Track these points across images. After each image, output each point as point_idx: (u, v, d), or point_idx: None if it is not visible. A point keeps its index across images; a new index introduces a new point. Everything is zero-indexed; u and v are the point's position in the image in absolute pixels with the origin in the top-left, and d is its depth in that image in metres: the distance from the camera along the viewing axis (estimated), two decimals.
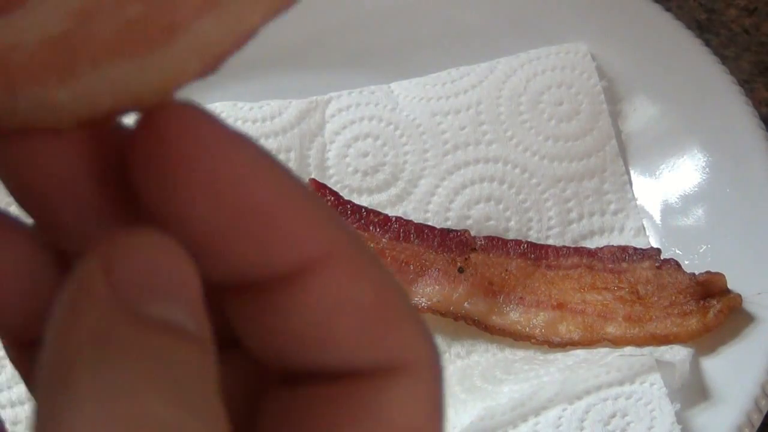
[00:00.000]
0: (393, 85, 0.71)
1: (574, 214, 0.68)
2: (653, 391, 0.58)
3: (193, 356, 0.21)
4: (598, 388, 0.58)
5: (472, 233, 0.66)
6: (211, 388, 0.21)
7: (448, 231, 0.66)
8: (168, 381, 0.20)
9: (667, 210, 0.67)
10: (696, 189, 0.67)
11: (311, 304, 0.23)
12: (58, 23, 0.22)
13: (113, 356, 0.20)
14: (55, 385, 0.21)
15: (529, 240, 0.66)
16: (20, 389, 0.59)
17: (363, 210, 0.66)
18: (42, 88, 0.22)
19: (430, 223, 0.67)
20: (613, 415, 0.58)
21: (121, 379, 0.20)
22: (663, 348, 0.60)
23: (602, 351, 0.61)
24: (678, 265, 0.63)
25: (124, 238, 0.22)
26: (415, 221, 0.66)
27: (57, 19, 0.22)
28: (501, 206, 0.68)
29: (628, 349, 0.61)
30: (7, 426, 0.58)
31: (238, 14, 0.22)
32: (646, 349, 0.60)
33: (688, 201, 0.67)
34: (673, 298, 0.62)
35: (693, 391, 0.59)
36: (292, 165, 0.67)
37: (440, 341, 0.63)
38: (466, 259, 0.64)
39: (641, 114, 0.70)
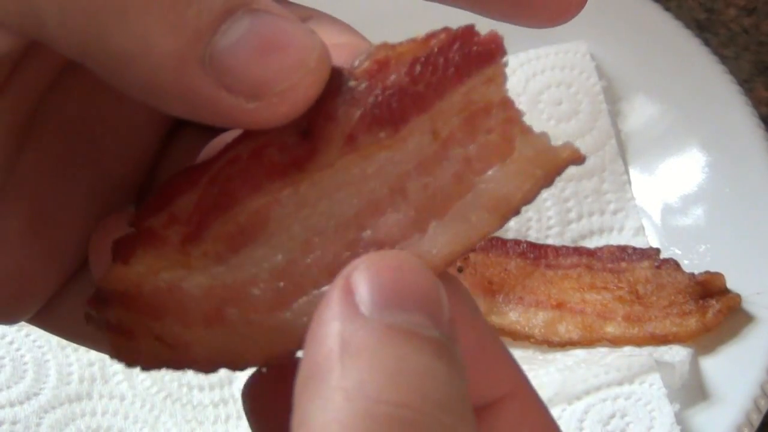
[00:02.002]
0: None
1: (573, 214, 0.68)
2: (653, 391, 0.58)
3: (439, 361, 0.23)
4: (598, 388, 0.58)
5: None
6: (458, 390, 0.23)
7: None
8: (410, 380, 0.23)
9: (667, 210, 0.67)
10: (695, 189, 0.67)
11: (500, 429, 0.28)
12: (285, 254, 0.25)
13: (359, 358, 0.23)
14: (307, 383, 0.23)
15: (528, 240, 0.66)
16: (20, 389, 0.60)
17: None
18: (271, 313, 0.25)
19: None
20: (613, 416, 0.58)
21: (367, 378, 0.22)
22: (662, 348, 0.60)
23: (601, 351, 0.61)
24: (677, 264, 0.63)
25: (368, 259, 0.24)
26: None
27: (284, 251, 0.25)
28: None
29: (628, 349, 0.61)
30: (7, 426, 0.58)
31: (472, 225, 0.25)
32: (646, 350, 0.60)
33: (688, 201, 0.67)
34: (673, 297, 0.62)
35: (692, 391, 0.59)
36: None
37: None
38: (465, 258, 0.64)
39: (641, 114, 0.70)
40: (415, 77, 0.25)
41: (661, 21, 0.72)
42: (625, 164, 0.69)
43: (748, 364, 0.59)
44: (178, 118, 0.30)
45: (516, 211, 0.25)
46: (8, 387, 0.60)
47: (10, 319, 0.30)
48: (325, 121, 0.25)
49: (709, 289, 0.62)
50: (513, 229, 0.67)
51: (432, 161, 0.25)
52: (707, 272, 0.62)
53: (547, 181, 0.25)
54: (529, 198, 0.25)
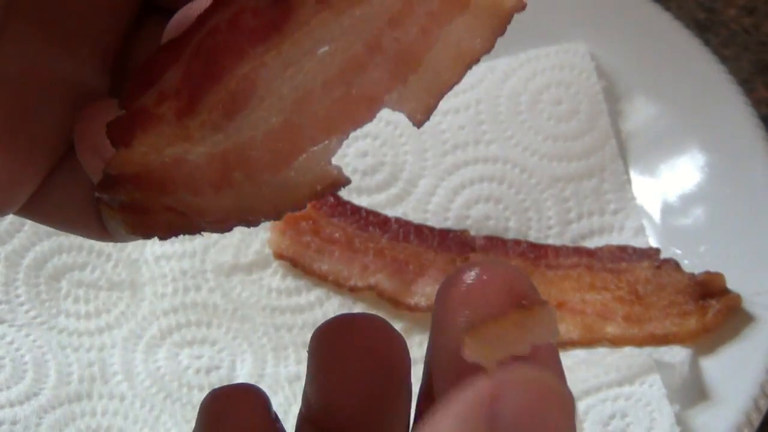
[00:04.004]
0: None
1: (573, 214, 0.68)
2: (653, 392, 0.58)
3: None
4: (598, 388, 0.58)
5: (472, 233, 0.66)
6: None
7: (448, 231, 0.66)
8: None
9: (667, 210, 0.67)
10: (695, 189, 0.67)
11: None
12: (278, 115, 0.26)
13: None
14: None
15: (528, 240, 0.66)
16: (20, 389, 0.60)
17: (362, 210, 0.66)
18: (276, 173, 0.26)
19: (429, 223, 0.67)
20: (613, 416, 0.58)
21: None
22: (663, 349, 0.60)
23: (601, 351, 0.61)
24: (677, 264, 0.63)
25: (509, 374, 0.24)
26: (415, 221, 0.66)
27: (276, 112, 0.26)
28: (500, 206, 0.68)
29: (628, 350, 0.61)
30: (7, 426, 0.58)
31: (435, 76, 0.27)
32: (646, 350, 0.60)
33: (688, 201, 0.67)
34: (673, 298, 0.62)
35: (692, 392, 0.59)
36: None
37: None
38: (465, 258, 0.64)
39: (641, 114, 0.70)
40: None
41: (661, 21, 0.72)
42: (625, 164, 0.69)
43: (748, 364, 0.59)
44: (142, 3, 0.32)
45: (476, 60, 0.27)
46: (8, 387, 0.60)
47: None
48: None
49: (709, 289, 0.62)
50: (513, 229, 0.67)
51: (400, 16, 0.27)
52: (707, 272, 0.62)
53: (501, 30, 0.27)
54: (488, 47, 0.27)
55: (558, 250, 0.65)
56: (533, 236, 0.67)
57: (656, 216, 0.67)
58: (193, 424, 0.60)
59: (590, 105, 0.70)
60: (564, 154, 0.69)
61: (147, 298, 0.64)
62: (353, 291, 0.64)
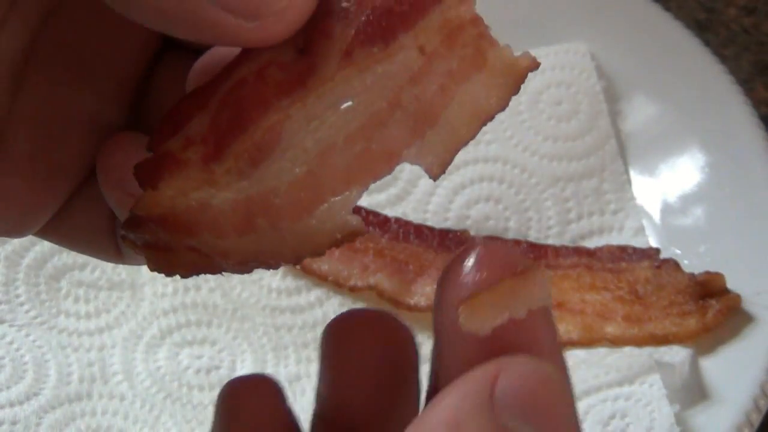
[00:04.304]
0: None
1: (573, 214, 0.68)
2: (653, 392, 0.57)
3: None
4: (598, 389, 0.58)
5: (472, 233, 0.66)
6: None
7: (448, 231, 0.66)
8: None
9: (667, 210, 0.67)
10: (695, 189, 0.67)
11: None
12: (302, 166, 0.28)
13: None
14: (415, 423, 0.26)
15: (528, 240, 0.66)
16: (20, 389, 0.60)
17: (362, 210, 0.66)
18: (297, 221, 0.28)
19: (429, 223, 0.67)
20: (613, 416, 0.58)
21: None
22: (662, 349, 0.60)
23: (601, 351, 0.61)
24: (677, 264, 0.63)
25: (511, 361, 0.26)
26: (415, 221, 0.66)
27: (300, 164, 0.28)
28: (500, 206, 0.68)
29: (628, 350, 0.61)
30: (7, 426, 0.58)
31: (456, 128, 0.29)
32: (646, 350, 0.60)
33: (688, 201, 0.67)
34: (672, 297, 0.62)
35: (692, 392, 0.59)
36: None
37: None
38: None
39: (641, 114, 0.70)
40: None
41: (661, 21, 0.72)
42: (625, 164, 0.69)
43: (748, 364, 0.58)
44: (162, 41, 0.33)
45: (491, 117, 0.29)
46: (8, 387, 0.60)
47: (18, 233, 0.33)
48: (321, 38, 0.28)
49: (709, 289, 0.62)
50: (513, 229, 0.67)
51: (420, 74, 0.28)
52: (707, 272, 0.62)
53: (515, 88, 0.29)
54: (503, 105, 0.29)
55: (558, 250, 0.65)
56: (533, 236, 0.67)
57: (656, 216, 0.67)
58: (193, 424, 0.60)
59: (590, 105, 0.70)
60: (564, 154, 0.69)
61: (147, 298, 0.64)
62: (353, 291, 0.64)
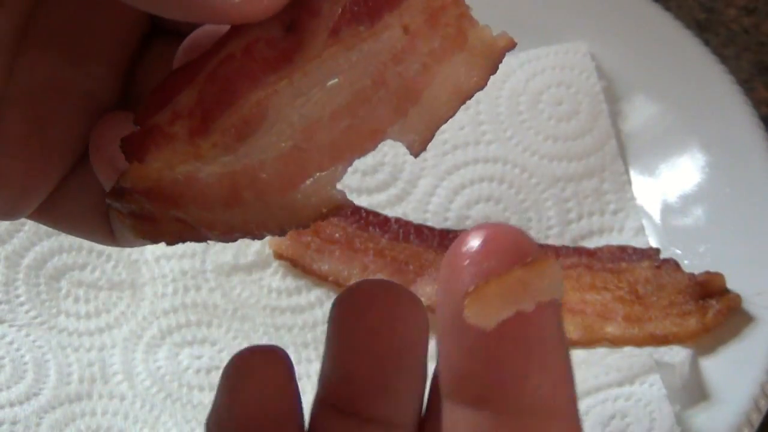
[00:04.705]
0: None
1: (573, 214, 0.68)
2: (653, 392, 0.57)
3: None
4: (598, 389, 0.58)
5: None
6: None
7: (448, 231, 0.66)
8: None
9: (667, 210, 0.67)
10: (695, 189, 0.67)
11: None
12: (288, 141, 0.28)
13: None
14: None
15: None
16: (20, 389, 0.60)
17: (362, 210, 0.66)
18: (283, 195, 0.28)
19: (429, 224, 0.67)
20: (613, 417, 0.58)
21: None
22: (663, 349, 0.60)
23: (601, 351, 0.61)
24: (677, 264, 0.63)
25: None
26: (415, 221, 0.66)
27: (286, 138, 0.28)
28: (500, 206, 0.68)
29: (628, 350, 0.61)
30: (7, 426, 0.58)
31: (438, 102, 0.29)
32: (646, 350, 0.60)
33: (688, 201, 0.67)
34: (673, 298, 0.62)
35: (692, 392, 0.59)
36: None
37: None
38: None
39: (641, 114, 0.70)
40: None
41: (661, 21, 0.72)
42: (625, 164, 0.69)
43: (748, 364, 0.58)
44: (151, 25, 0.34)
45: (470, 96, 0.29)
46: (8, 387, 0.60)
47: (12, 215, 0.33)
48: (309, 15, 0.29)
49: (709, 290, 0.62)
50: None
51: (403, 53, 0.29)
52: (707, 272, 0.62)
53: (494, 68, 0.29)
54: (481, 84, 0.29)
55: (558, 250, 0.65)
56: (533, 236, 0.67)
57: (656, 216, 0.67)
58: (193, 424, 0.60)
59: (590, 105, 0.70)
60: (564, 154, 0.69)
61: (147, 298, 0.64)
62: None
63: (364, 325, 0.31)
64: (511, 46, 0.29)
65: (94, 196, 0.34)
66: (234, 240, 0.29)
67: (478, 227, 0.27)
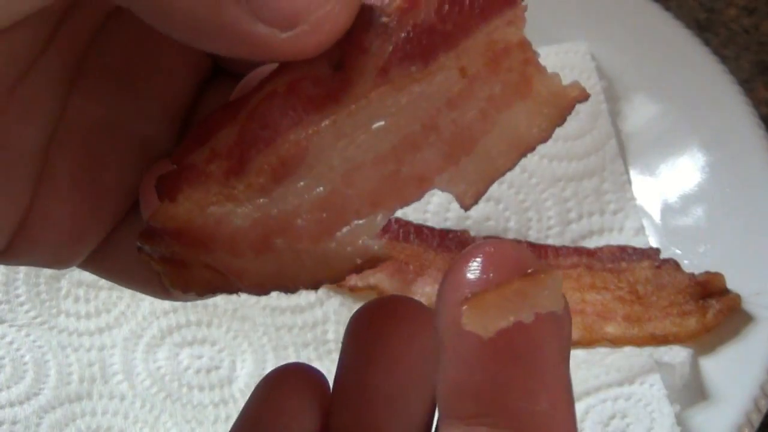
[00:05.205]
0: None
1: (573, 214, 0.68)
2: (653, 392, 0.57)
3: None
4: (598, 389, 0.58)
5: (472, 233, 0.66)
6: None
7: (448, 231, 0.66)
8: None
9: (667, 210, 0.67)
10: (696, 189, 0.67)
11: None
12: (326, 185, 0.26)
13: None
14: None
15: (528, 240, 0.66)
16: (20, 389, 0.60)
17: None
18: (317, 243, 0.26)
19: (429, 224, 0.67)
20: (613, 416, 0.58)
21: None
22: (663, 349, 0.60)
23: (602, 351, 0.61)
24: (677, 264, 0.63)
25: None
26: (415, 221, 0.66)
27: (325, 182, 0.27)
28: (500, 206, 0.68)
29: (628, 350, 0.61)
30: (7, 426, 0.58)
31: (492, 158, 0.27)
32: (646, 350, 0.60)
33: (688, 201, 0.67)
34: (673, 297, 0.62)
35: (692, 392, 0.59)
36: None
37: None
38: None
39: (641, 114, 0.70)
40: (444, 16, 0.27)
41: (661, 21, 0.72)
42: (625, 164, 0.69)
43: (748, 364, 0.58)
44: (213, 68, 0.33)
45: (532, 149, 0.27)
46: (8, 387, 0.60)
47: (62, 264, 0.32)
48: (358, 53, 0.27)
49: (709, 289, 0.62)
50: (513, 229, 0.67)
51: (460, 98, 0.27)
52: (707, 272, 0.62)
53: (561, 120, 0.27)
54: (545, 136, 0.27)
55: (558, 250, 0.65)
56: (533, 236, 0.67)
57: (656, 216, 0.67)
58: (193, 424, 0.60)
59: (590, 105, 0.70)
60: (564, 154, 0.69)
61: (147, 298, 0.64)
62: (353, 291, 0.64)
63: (381, 341, 0.31)
64: (584, 97, 0.27)
65: None
66: (267, 293, 0.28)
67: (480, 243, 0.26)
